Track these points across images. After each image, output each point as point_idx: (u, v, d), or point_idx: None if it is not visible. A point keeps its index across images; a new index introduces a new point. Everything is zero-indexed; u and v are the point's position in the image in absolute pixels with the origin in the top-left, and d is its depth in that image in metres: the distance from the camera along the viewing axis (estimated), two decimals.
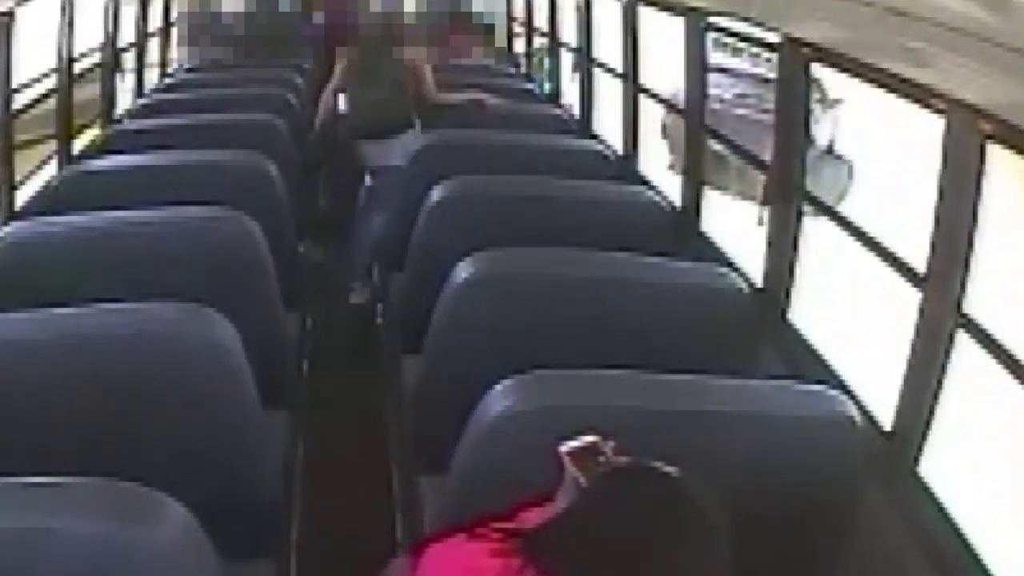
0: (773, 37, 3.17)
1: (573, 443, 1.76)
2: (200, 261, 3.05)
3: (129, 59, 6.27)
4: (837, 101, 10.49)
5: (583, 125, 5.65)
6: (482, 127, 4.77)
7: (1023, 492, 5.23)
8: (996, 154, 2.18)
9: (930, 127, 2.38)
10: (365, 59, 5.06)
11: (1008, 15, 1.69)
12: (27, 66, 4.23)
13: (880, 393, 2.52)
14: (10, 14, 3.78)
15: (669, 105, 4.40)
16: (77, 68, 4.95)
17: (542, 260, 2.99)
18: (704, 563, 1.52)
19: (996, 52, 1.75)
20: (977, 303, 2.26)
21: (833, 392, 2.33)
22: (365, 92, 5.07)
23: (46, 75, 4.64)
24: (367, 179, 5.21)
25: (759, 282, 3.23)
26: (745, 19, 3.31)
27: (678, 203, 4.06)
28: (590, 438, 1.77)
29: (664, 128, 9.80)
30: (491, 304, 2.83)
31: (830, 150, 11.30)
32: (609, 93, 5.35)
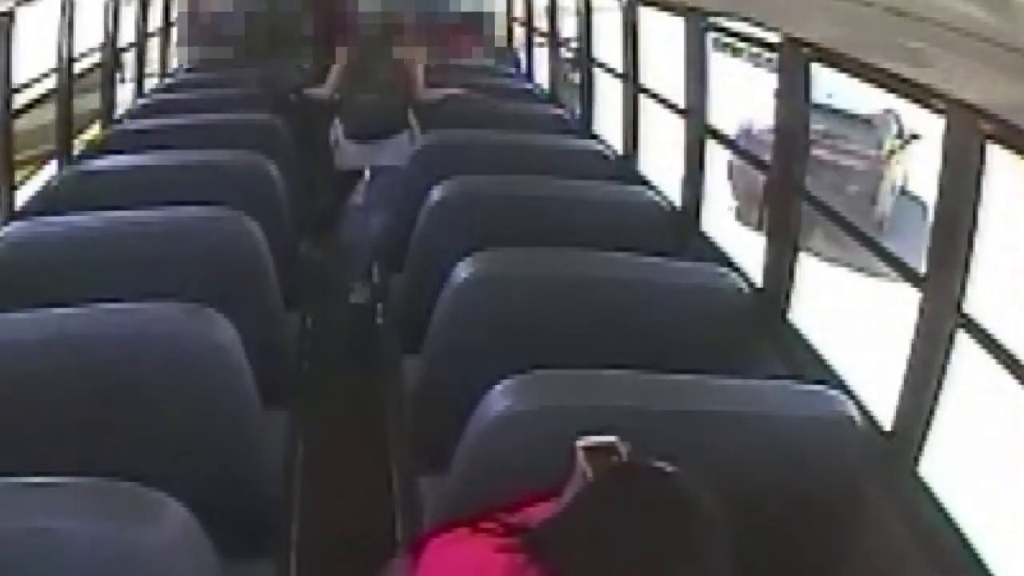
0: (773, 37, 3.18)
1: (591, 439, 1.77)
2: (200, 261, 3.04)
3: (129, 59, 6.27)
4: (915, 137, 9.32)
5: (583, 125, 5.65)
6: (482, 127, 4.77)
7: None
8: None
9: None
10: (362, 60, 5.05)
11: (1008, 15, 1.69)
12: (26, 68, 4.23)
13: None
14: (10, 14, 3.78)
15: (669, 105, 4.39)
16: (77, 68, 4.95)
17: (542, 260, 2.99)
18: (707, 562, 1.53)
19: (996, 52, 1.75)
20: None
21: (833, 392, 2.33)
22: (361, 93, 5.06)
23: (45, 75, 4.64)
24: (365, 180, 5.20)
25: (759, 282, 3.23)
26: (745, 19, 3.32)
27: (678, 203, 4.06)
28: (609, 438, 1.78)
29: (730, 169, 8.75)
30: (491, 304, 2.83)
31: (904, 190, 10.17)
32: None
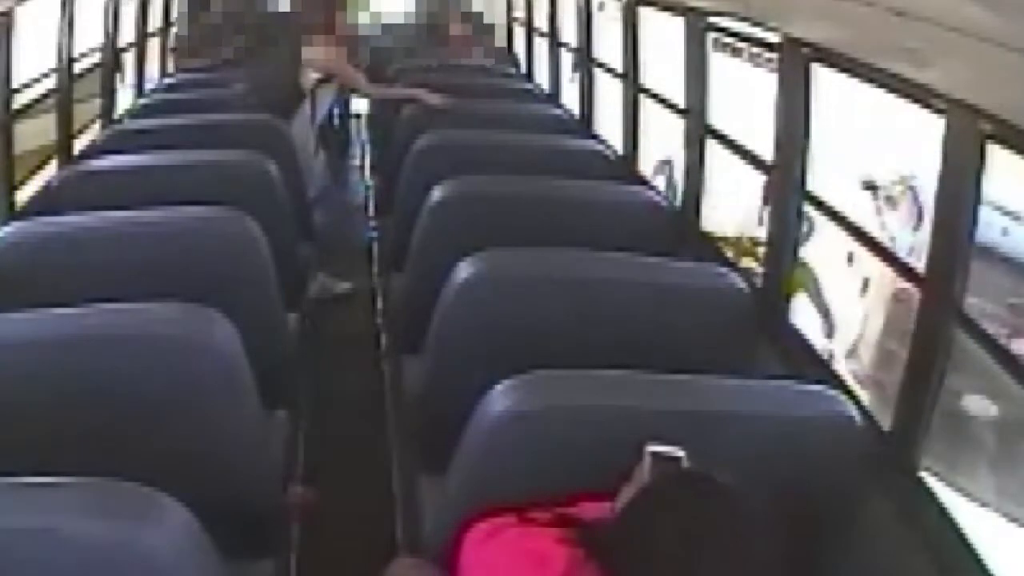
0: (773, 37, 3.18)
1: (659, 447, 1.83)
2: (200, 261, 3.05)
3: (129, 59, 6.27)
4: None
5: (583, 125, 5.65)
6: (481, 128, 4.76)
7: None
8: None
9: None
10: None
11: (1008, 15, 1.70)
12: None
13: None
14: (10, 14, 3.78)
15: (669, 105, 4.38)
16: (76, 68, 4.95)
17: (542, 260, 2.98)
18: (754, 569, 1.56)
19: (996, 52, 1.76)
20: None
21: (833, 392, 2.33)
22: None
23: (45, 75, 4.64)
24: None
25: (759, 282, 3.23)
26: (745, 19, 3.32)
27: (678, 203, 4.06)
28: (676, 450, 1.83)
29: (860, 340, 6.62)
30: (491, 304, 2.83)
31: None
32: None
